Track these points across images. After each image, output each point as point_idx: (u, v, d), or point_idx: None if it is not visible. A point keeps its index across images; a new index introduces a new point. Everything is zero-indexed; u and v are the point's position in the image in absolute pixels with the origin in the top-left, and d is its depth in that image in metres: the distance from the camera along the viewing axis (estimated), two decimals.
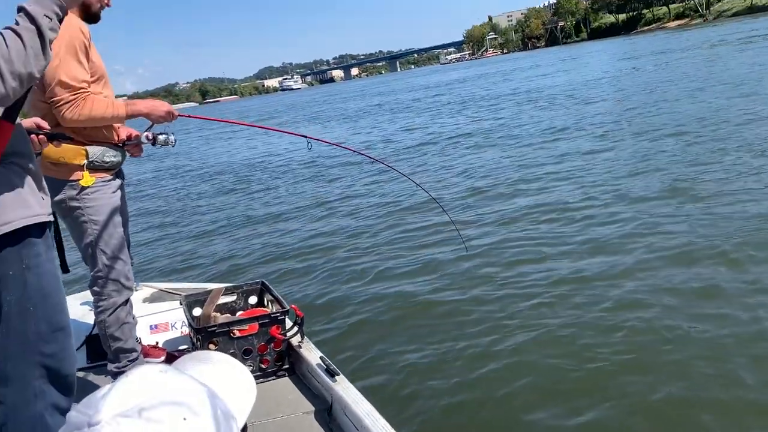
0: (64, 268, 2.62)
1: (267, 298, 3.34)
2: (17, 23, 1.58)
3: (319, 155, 13.60)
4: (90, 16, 2.72)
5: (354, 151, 4.41)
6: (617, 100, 15.73)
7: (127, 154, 2.93)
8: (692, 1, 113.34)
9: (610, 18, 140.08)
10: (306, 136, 3.32)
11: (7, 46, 1.53)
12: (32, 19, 1.57)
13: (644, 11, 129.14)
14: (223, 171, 15.21)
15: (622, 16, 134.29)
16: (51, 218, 1.92)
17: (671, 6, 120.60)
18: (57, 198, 2.66)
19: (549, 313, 4.21)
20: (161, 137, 2.89)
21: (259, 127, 3.56)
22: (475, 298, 4.66)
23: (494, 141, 12.46)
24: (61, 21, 1.65)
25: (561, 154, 9.66)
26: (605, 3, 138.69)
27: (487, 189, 8.13)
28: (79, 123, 2.58)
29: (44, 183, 1.93)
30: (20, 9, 1.59)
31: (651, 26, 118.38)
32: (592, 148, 9.73)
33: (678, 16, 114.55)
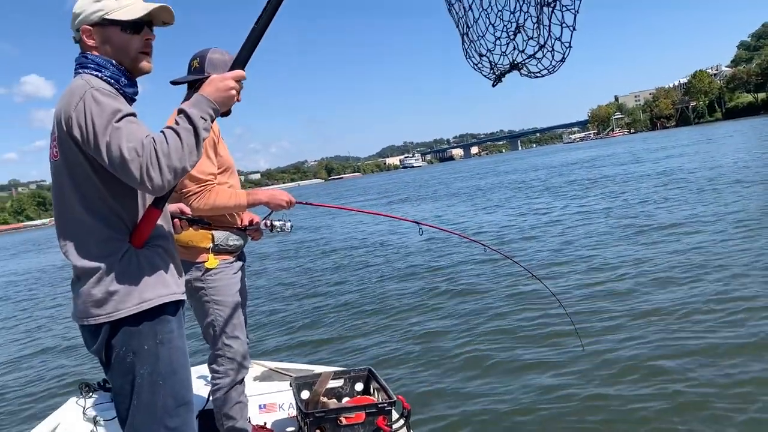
0: None
1: (373, 386, 3.30)
2: (177, 123, 1.77)
3: (432, 237, 13.60)
4: (223, 112, 2.96)
5: (466, 238, 4.36)
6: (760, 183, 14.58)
7: (249, 238, 3.09)
8: None
9: (747, 97, 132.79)
10: (417, 222, 3.36)
11: (167, 143, 1.72)
12: (190, 120, 1.77)
13: None
14: (341, 248, 15.54)
15: (762, 95, 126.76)
16: (185, 297, 2.08)
17: None
18: (184, 278, 2.82)
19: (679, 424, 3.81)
20: (278, 224, 3.08)
21: (370, 213, 3.64)
22: (588, 405, 4.27)
23: (621, 226, 11.82)
24: (213, 121, 1.84)
25: (695, 245, 8.92)
26: (742, 82, 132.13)
27: (610, 281, 7.60)
28: (204, 212, 2.78)
29: (180, 263, 2.11)
30: (180, 111, 1.80)
31: None
32: (730, 239, 8.95)
33: None
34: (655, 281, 7.19)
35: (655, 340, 5.23)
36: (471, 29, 2.03)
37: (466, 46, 2.06)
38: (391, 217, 3.86)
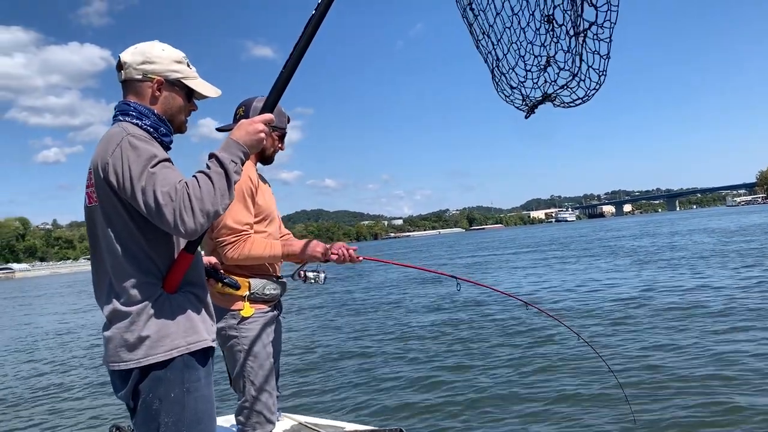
0: None
1: None
2: (208, 167, 1.79)
3: (498, 300, 12.77)
4: (264, 159, 2.98)
5: (507, 295, 3.92)
6: None
7: (286, 288, 2.99)
8: None
9: None
10: (455, 277, 3.14)
11: (200, 187, 1.73)
12: (221, 164, 1.79)
13: None
14: (385, 301, 15.18)
15: None
16: (215, 344, 2.03)
17: None
18: (218, 325, 2.76)
19: None
20: (311, 275, 2.97)
21: (405, 266, 3.35)
22: None
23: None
24: (243, 164, 1.86)
25: None
26: None
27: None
28: (239, 261, 2.73)
29: (212, 310, 2.07)
30: (212, 155, 1.82)
31: None
32: None
33: None
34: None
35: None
36: (500, 62, 1.92)
37: (497, 80, 1.86)
38: (428, 271, 3.62)
